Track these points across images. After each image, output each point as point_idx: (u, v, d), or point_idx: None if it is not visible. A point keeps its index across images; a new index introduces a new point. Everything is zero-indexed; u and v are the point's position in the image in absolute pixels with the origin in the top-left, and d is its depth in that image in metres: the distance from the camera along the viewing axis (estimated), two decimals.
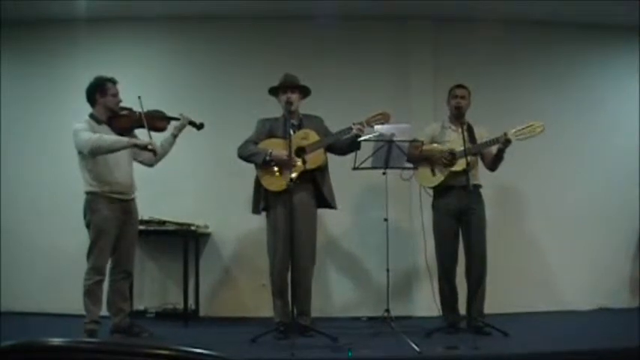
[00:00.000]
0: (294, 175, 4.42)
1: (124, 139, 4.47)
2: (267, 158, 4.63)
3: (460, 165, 4.68)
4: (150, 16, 6.01)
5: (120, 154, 4.51)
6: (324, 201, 4.81)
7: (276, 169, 4.64)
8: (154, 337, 4.62)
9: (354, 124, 4.59)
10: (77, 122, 4.48)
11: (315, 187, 4.77)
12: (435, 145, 4.85)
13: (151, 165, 4.80)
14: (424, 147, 4.76)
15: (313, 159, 4.64)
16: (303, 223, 4.64)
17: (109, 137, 4.44)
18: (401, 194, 5.44)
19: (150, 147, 4.46)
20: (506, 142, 4.58)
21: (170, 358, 1.18)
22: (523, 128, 4.57)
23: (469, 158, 4.62)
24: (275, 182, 4.64)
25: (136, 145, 4.49)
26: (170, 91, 5.81)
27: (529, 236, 6.11)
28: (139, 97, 4.48)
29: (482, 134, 4.82)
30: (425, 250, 4.93)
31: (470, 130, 4.77)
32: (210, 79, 6.09)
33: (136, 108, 4.58)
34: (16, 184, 5.93)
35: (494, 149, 4.74)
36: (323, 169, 4.79)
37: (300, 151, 4.61)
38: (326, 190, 4.78)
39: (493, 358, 4.00)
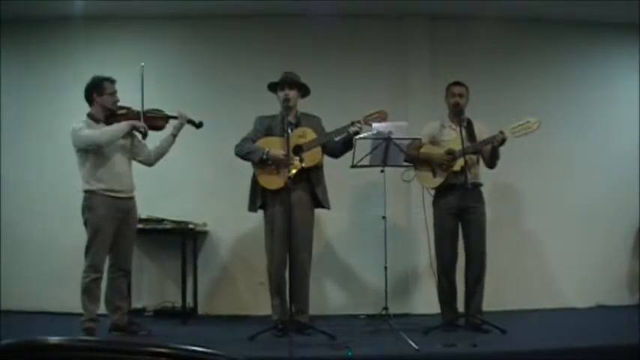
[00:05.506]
0: (292, 172, 4.42)
1: (123, 124, 4.52)
2: (264, 157, 4.62)
3: (458, 164, 4.69)
4: (148, 15, 6.00)
5: (118, 153, 4.52)
6: (318, 201, 4.80)
7: (273, 167, 4.64)
8: (152, 335, 4.63)
9: (352, 122, 4.59)
10: (75, 122, 4.49)
11: (311, 186, 4.76)
12: (433, 147, 4.85)
13: (149, 164, 4.80)
14: (422, 150, 4.77)
15: (310, 157, 4.63)
16: (300, 222, 4.63)
17: (109, 127, 4.48)
18: (399, 192, 5.44)
19: (142, 129, 4.56)
20: (502, 140, 4.63)
21: (168, 356, 1.18)
22: (519, 125, 4.60)
23: (468, 157, 4.62)
24: (272, 181, 4.63)
25: (134, 128, 4.55)
26: (169, 89, 5.79)
27: (527, 234, 6.11)
28: (142, 65, 4.54)
29: (481, 129, 4.82)
30: (429, 248, 4.92)
31: (469, 127, 4.77)
32: (208, 77, 6.08)
33: (135, 107, 4.60)
34: (16, 183, 5.92)
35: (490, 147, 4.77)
36: (318, 169, 4.78)
37: (298, 149, 4.61)
38: (320, 190, 4.77)
39: (491, 355, 4.00)
